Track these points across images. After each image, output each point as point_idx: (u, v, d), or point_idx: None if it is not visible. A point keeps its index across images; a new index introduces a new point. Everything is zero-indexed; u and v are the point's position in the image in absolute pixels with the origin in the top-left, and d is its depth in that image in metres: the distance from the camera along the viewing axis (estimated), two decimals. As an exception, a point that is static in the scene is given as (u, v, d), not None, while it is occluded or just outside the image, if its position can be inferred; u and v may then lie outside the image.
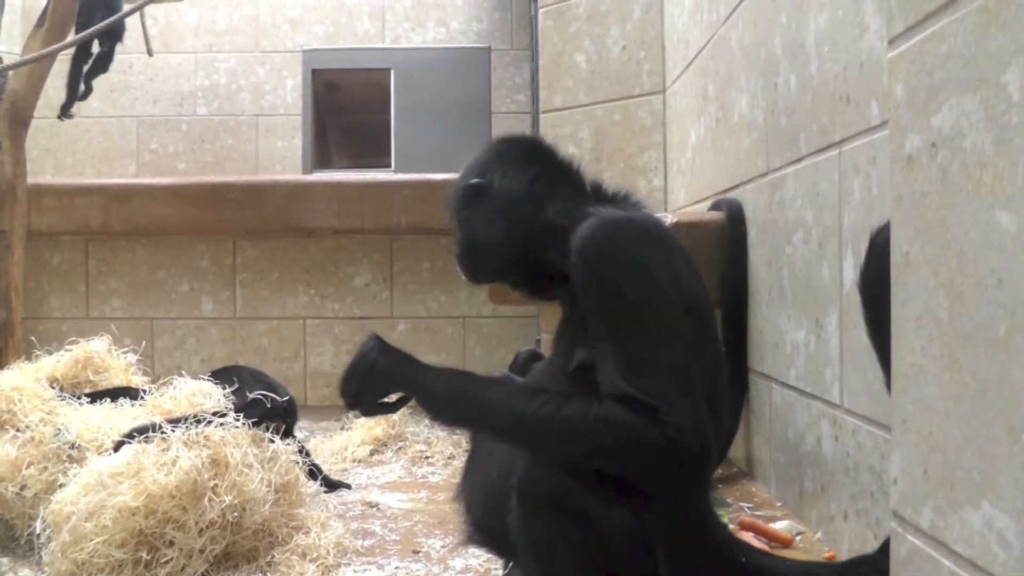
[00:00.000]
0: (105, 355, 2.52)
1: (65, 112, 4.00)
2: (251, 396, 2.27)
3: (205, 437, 1.77)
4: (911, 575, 0.94)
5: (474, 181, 1.43)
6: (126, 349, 2.63)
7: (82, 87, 4.01)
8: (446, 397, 1.25)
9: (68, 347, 2.51)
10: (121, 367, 2.54)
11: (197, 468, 1.65)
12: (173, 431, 1.80)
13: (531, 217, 1.38)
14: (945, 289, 0.86)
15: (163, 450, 1.75)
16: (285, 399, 2.50)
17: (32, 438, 2.00)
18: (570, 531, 1.18)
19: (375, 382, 1.26)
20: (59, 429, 2.03)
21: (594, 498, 1.18)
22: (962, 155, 0.83)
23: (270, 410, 2.18)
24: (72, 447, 1.99)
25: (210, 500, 1.64)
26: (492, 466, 1.30)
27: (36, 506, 1.88)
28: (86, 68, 3.97)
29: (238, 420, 1.88)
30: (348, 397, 1.28)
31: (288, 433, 2.36)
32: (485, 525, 1.30)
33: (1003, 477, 0.76)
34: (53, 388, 2.27)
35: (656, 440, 1.16)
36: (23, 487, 1.93)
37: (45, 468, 1.96)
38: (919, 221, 0.92)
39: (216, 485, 1.67)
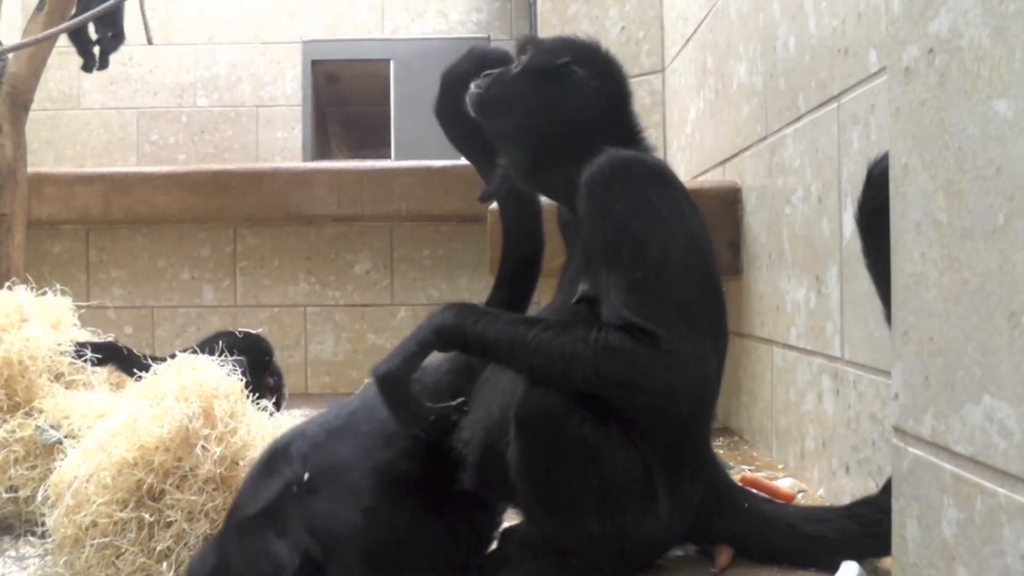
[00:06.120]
0: None
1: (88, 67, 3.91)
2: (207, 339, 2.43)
3: (198, 386, 1.74)
4: (913, 488, 0.94)
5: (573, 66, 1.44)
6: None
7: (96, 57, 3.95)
8: (450, 329, 1.25)
9: None
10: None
11: (189, 416, 1.64)
12: (152, 364, 1.85)
13: (599, 125, 1.42)
14: (944, 190, 0.86)
15: (154, 405, 1.74)
16: (242, 335, 2.60)
17: (14, 433, 1.91)
18: (569, 460, 1.18)
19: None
20: (38, 427, 1.95)
21: (593, 426, 1.18)
22: (960, 54, 0.83)
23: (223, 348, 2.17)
24: (60, 443, 1.95)
25: (203, 448, 1.63)
26: (494, 400, 1.29)
27: (31, 503, 1.82)
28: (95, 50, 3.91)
29: (218, 360, 1.83)
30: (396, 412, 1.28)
31: (261, 367, 2.41)
32: (484, 464, 1.29)
33: (1004, 366, 0.76)
34: None
35: (656, 367, 1.16)
36: (15, 489, 1.86)
37: (35, 466, 1.91)
38: (917, 130, 0.92)
39: (208, 435, 1.66)
